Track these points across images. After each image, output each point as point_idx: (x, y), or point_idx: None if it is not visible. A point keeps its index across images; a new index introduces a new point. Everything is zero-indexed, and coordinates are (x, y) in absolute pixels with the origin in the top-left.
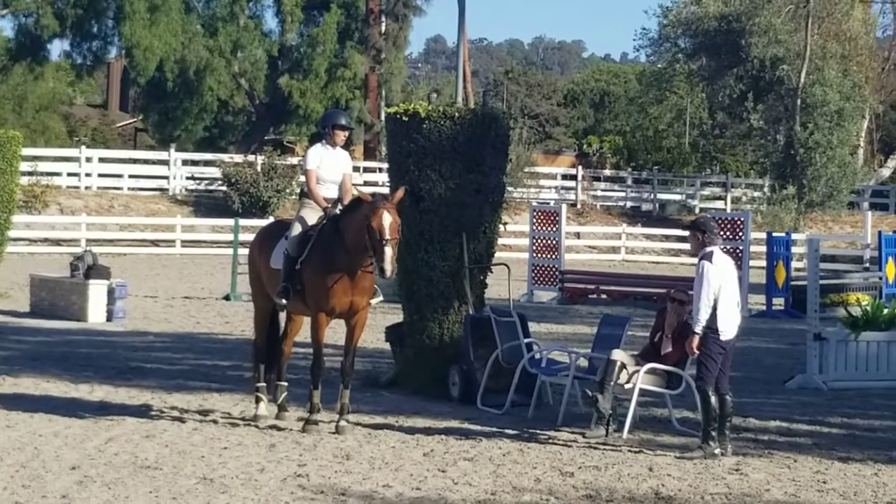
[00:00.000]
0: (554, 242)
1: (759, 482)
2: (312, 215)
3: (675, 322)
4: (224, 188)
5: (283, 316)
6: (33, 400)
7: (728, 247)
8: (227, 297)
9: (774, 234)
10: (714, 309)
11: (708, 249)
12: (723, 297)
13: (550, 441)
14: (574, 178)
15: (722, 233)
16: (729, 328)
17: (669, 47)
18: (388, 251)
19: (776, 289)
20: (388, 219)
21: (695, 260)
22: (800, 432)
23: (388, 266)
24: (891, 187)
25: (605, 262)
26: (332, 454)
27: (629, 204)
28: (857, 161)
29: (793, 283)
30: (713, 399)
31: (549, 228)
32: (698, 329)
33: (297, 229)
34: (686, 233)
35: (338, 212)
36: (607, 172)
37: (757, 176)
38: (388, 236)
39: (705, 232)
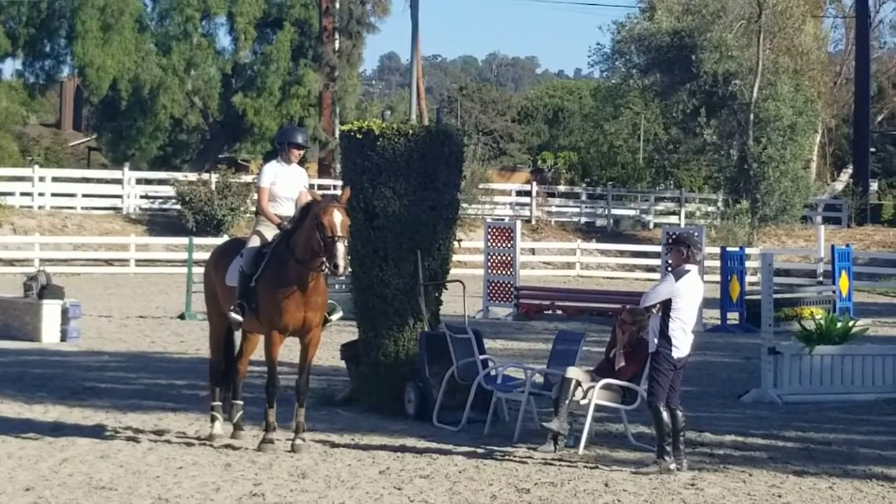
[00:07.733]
0: (509, 259)
1: (714, 497)
2: (269, 232)
3: (627, 338)
4: (178, 207)
5: (238, 334)
6: None
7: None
8: (181, 316)
9: (728, 249)
10: (667, 323)
11: (687, 267)
12: (684, 316)
13: (506, 457)
14: (528, 194)
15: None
16: (683, 346)
17: (623, 63)
18: (341, 247)
19: (730, 303)
20: (338, 216)
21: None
22: (755, 446)
23: (342, 262)
24: (843, 201)
25: (560, 278)
26: (287, 473)
27: (584, 220)
28: (809, 175)
29: (747, 297)
30: (665, 414)
31: (504, 245)
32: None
33: (253, 244)
34: (657, 248)
35: (289, 226)
36: (562, 188)
37: (711, 191)
38: (339, 233)
39: (690, 247)
